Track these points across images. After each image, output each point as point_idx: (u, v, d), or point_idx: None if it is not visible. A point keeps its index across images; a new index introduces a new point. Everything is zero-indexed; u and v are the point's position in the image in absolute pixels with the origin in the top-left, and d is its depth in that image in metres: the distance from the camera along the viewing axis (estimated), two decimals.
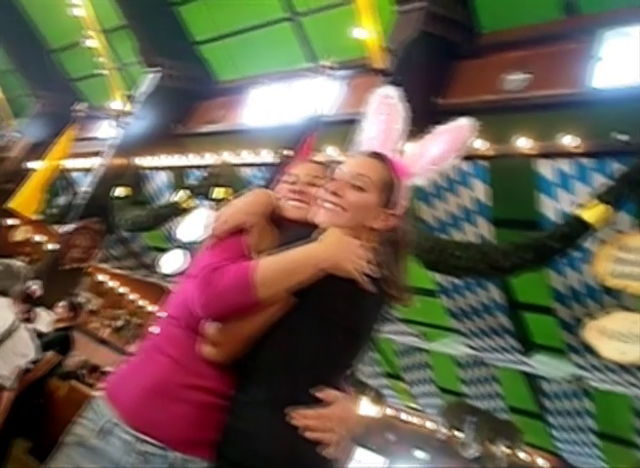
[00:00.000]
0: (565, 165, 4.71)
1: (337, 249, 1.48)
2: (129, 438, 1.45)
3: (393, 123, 1.74)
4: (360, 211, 1.58)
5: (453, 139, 1.71)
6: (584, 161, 4.62)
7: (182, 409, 1.47)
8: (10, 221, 10.62)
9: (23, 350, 3.56)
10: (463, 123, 1.72)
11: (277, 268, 1.45)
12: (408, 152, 1.72)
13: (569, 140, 4.68)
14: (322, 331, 1.46)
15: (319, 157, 6.23)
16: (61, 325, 5.55)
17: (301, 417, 1.39)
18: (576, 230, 4.26)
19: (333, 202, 1.58)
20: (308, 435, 1.39)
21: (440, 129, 1.72)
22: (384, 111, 1.76)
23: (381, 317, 1.62)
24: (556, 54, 5.53)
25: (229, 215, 1.60)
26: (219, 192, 6.91)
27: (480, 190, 5.18)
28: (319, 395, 1.43)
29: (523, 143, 4.90)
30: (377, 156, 1.66)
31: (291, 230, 1.62)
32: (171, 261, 8.02)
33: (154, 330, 1.64)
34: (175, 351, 1.53)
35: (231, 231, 1.57)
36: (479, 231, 5.27)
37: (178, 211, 7.48)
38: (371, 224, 1.58)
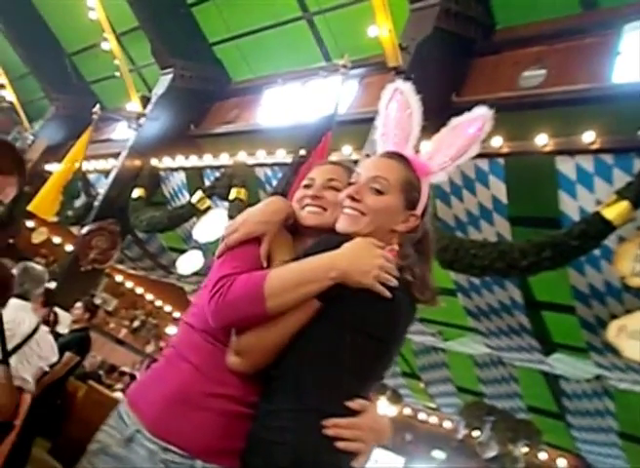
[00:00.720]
0: (584, 161, 4.64)
1: (350, 259, 1.43)
2: (153, 446, 1.44)
3: (407, 118, 1.70)
4: (380, 214, 1.53)
5: (470, 132, 1.66)
6: (604, 157, 4.54)
7: (206, 417, 1.45)
8: (29, 224, 10.73)
9: (47, 353, 3.59)
10: (479, 114, 1.66)
11: (287, 278, 1.42)
12: (425, 149, 1.68)
13: (588, 137, 4.60)
14: (351, 340, 1.41)
15: (335, 156, 6.22)
16: (78, 326, 5.61)
17: (334, 426, 1.35)
18: (596, 228, 4.18)
19: (351, 207, 1.54)
20: (340, 444, 1.34)
21: (456, 121, 1.67)
22: (397, 107, 1.72)
23: (411, 322, 1.58)
24: (574, 48, 5.46)
25: (241, 225, 1.56)
26: (235, 192, 6.91)
27: (497, 188, 5.11)
28: (350, 404, 1.39)
29: (541, 140, 4.83)
30: (394, 156, 1.62)
31: (317, 238, 1.57)
32: (188, 262, 8.04)
33: (175, 337, 1.61)
34: (196, 358, 1.50)
35: (243, 240, 1.54)
36: (496, 229, 5.21)
37: (194, 211, 7.49)
38: (393, 227, 1.54)
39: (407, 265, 1.51)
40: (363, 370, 1.45)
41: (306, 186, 1.72)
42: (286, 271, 1.44)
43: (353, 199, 1.55)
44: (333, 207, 1.63)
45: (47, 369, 3.66)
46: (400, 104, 1.71)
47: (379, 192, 1.54)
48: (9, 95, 12.32)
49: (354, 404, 1.40)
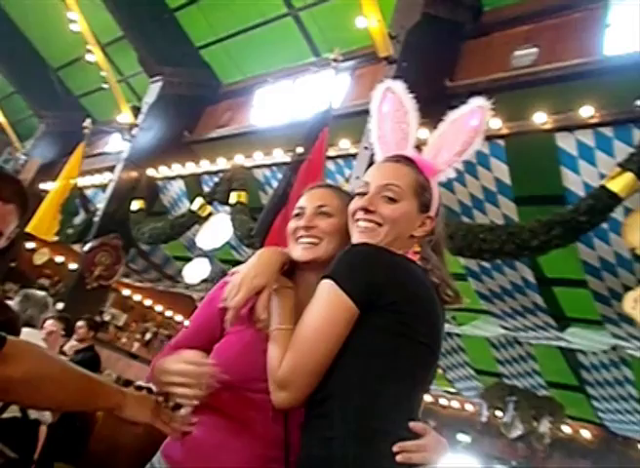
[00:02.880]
0: (584, 136, 4.64)
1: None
2: None
3: (403, 117, 1.65)
4: (398, 223, 1.47)
5: (472, 124, 1.62)
6: (603, 130, 4.54)
7: None
8: (29, 245, 10.68)
9: None
10: (476, 105, 1.62)
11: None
12: (428, 147, 1.64)
13: (586, 111, 4.60)
14: (407, 349, 1.35)
15: (334, 150, 6.20)
16: (83, 345, 5.54)
17: (403, 451, 1.28)
18: (602, 202, 4.18)
19: (366, 219, 1.48)
20: None
21: (454, 115, 1.63)
22: (391, 107, 1.67)
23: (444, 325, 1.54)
24: (563, 24, 5.44)
25: (240, 285, 1.50)
26: (235, 196, 6.89)
27: (499, 170, 5.11)
28: (415, 428, 1.33)
29: (539, 118, 4.83)
30: (400, 159, 1.55)
31: (319, 269, 1.51)
32: (194, 270, 8.02)
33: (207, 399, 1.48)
34: (247, 421, 1.44)
35: (247, 299, 1.46)
36: (502, 211, 5.21)
37: (195, 219, 7.47)
38: (412, 233, 1.49)
39: (431, 268, 1.48)
40: (420, 382, 1.40)
41: (297, 216, 1.64)
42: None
43: (367, 211, 1.48)
44: (327, 235, 1.57)
45: None
46: (393, 104, 1.66)
47: (392, 200, 1.48)
48: None
49: (418, 427, 1.34)
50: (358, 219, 1.50)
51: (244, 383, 1.45)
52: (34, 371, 1.27)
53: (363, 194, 1.52)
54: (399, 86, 1.67)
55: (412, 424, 1.34)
